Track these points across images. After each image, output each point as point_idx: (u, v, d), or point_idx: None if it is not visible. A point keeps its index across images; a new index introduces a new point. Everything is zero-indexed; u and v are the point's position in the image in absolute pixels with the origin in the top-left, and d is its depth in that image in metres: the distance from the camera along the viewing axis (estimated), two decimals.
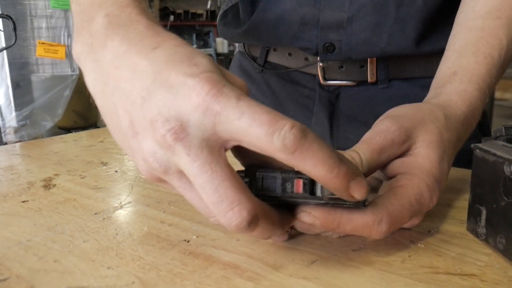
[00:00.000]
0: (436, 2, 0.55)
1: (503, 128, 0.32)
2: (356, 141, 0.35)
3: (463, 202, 0.41)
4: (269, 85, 0.69)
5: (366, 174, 0.34)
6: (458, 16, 0.48)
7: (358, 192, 0.26)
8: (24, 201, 0.43)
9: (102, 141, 0.68)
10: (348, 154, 0.33)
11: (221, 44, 6.00)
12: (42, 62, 3.03)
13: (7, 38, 2.57)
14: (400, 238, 0.34)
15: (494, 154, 0.31)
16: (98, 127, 4.70)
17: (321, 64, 0.61)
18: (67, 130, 4.50)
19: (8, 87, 2.94)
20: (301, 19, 0.58)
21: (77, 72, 3.14)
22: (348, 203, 0.27)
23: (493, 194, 0.32)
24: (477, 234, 0.34)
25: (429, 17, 0.55)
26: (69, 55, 3.11)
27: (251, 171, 0.28)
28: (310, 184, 0.27)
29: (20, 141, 2.87)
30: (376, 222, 0.29)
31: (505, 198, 0.30)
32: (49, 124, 3.21)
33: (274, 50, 0.67)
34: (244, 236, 0.34)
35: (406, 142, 0.34)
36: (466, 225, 0.36)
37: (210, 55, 6.46)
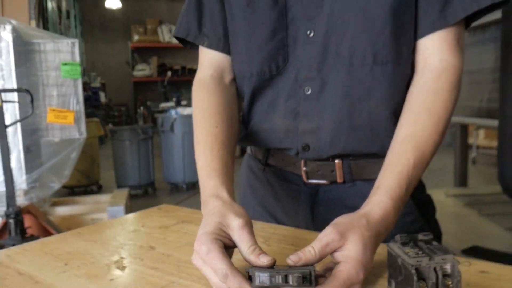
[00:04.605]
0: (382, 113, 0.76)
1: (399, 236, 0.53)
2: None
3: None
4: (269, 181, 0.91)
5: (319, 259, 0.53)
6: (393, 137, 0.70)
7: None
8: None
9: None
10: (306, 249, 0.53)
11: None
12: (52, 127, 3.08)
13: (21, 109, 2.74)
14: None
15: (394, 251, 0.53)
16: (101, 186, 4.83)
17: (304, 168, 0.83)
18: (71, 188, 4.64)
19: (19, 152, 3.05)
20: (286, 129, 0.81)
21: (84, 135, 3.24)
22: None
23: (396, 273, 0.53)
24: None
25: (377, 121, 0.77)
26: (77, 120, 3.26)
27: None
28: None
29: (29, 203, 3.03)
30: None
31: (400, 276, 0.52)
32: (56, 185, 3.27)
33: (272, 155, 0.89)
34: None
35: (341, 239, 0.54)
36: None
37: None
